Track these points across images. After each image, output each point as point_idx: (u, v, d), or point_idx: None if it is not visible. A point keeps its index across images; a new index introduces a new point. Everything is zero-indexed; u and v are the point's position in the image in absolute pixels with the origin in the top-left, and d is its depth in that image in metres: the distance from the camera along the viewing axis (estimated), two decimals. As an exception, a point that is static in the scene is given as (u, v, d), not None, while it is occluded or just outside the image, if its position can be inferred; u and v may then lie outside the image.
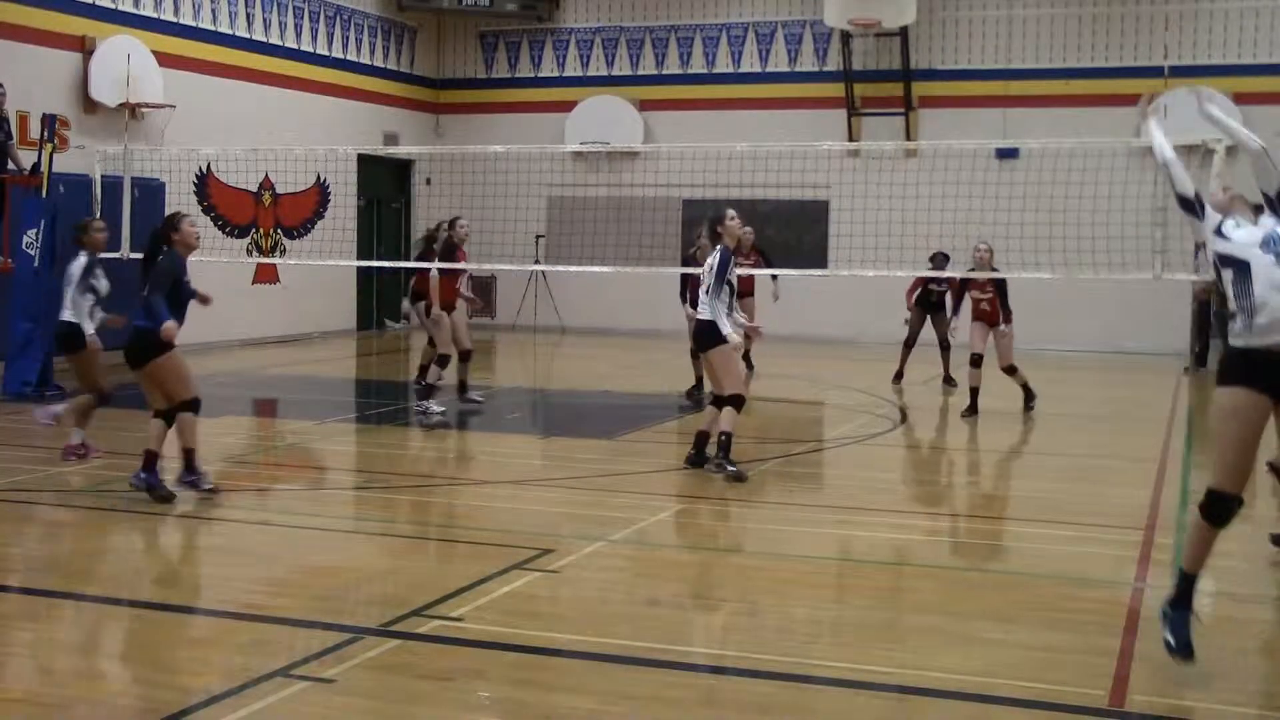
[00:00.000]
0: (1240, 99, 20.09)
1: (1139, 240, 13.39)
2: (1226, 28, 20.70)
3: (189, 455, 8.49)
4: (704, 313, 9.53)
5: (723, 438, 9.46)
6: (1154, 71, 20.25)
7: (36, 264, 13.63)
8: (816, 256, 20.80)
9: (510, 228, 18.78)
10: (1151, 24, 20.96)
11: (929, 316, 15.20)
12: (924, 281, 15.09)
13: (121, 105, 16.92)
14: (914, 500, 9.43)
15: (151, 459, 8.34)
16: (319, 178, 21.11)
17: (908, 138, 21.30)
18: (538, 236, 21.80)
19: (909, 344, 15.30)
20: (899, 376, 15.16)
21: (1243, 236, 5.51)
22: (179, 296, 8.48)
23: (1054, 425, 12.82)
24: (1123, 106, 20.35)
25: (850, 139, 21.46)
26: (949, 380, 15.02)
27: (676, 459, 10.26)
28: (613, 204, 20.13)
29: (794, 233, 22.43)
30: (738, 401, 9.50)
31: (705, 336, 9.56)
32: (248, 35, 20.18)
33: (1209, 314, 17.71)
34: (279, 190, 20.30)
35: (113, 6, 17.61)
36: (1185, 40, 20.65)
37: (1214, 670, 5.56)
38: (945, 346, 15.06)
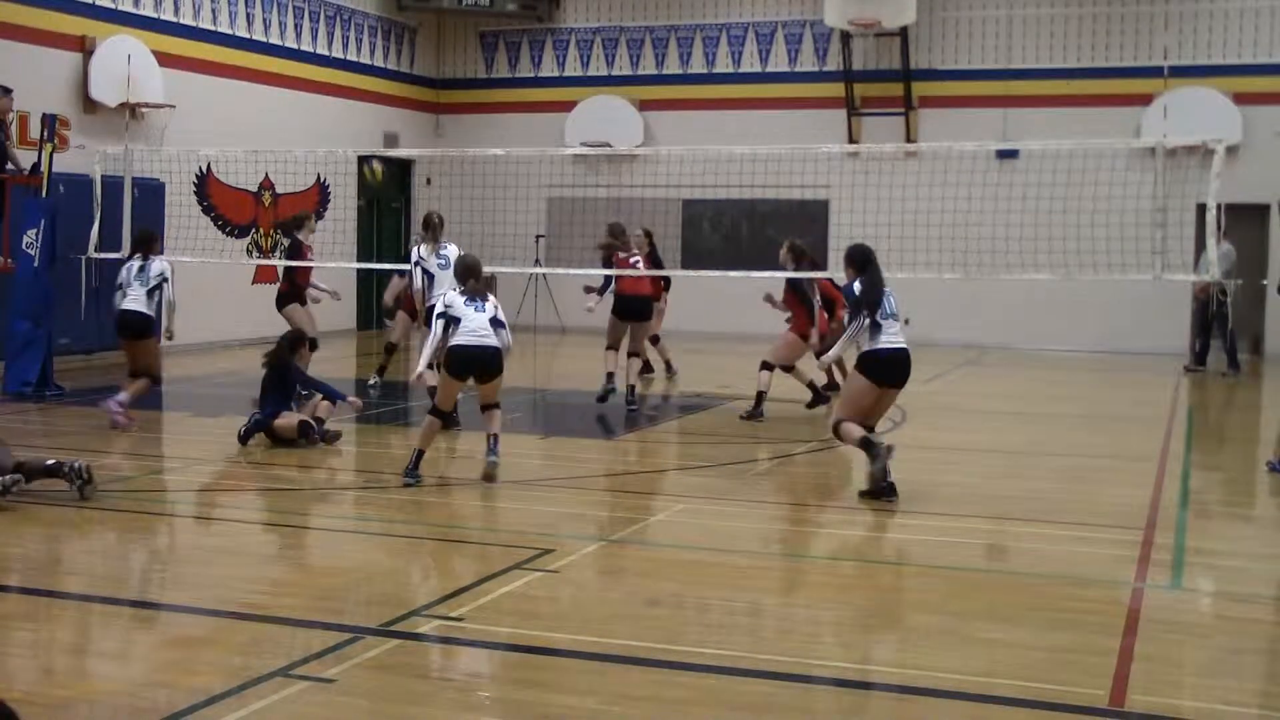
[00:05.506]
0: (1240, 99, 20.12)
1: (1139, 240, 13.37)
2: (1226, 28, 20.70)
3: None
4: None
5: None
6: (1154, 71, 20.27)
7: (36, 264, 13.62)
8: (816, 256, 20.75)
9: (510, 228, 18.79)
10: (1151, 24, 20.95)
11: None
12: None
13: (121, 105, 16.93)
14: (914, 500, 9.42)
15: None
16: (319, 178, 21.12)
17: (908, 138, 21.31)
18: (538, 237, 21.81)
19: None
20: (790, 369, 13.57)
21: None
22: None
23: (1054, 425, 12.81)
24: (1123, 106, 20.44)
25: (850, 139, 21.47)
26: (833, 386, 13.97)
27: (676, 459, 10.26)
28: (613, 205, 20.12)
29: (794, 233, 22.35)
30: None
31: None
32: (248, 35, 20.18)
33: (1209, 314, 17.72)
34: (279, 190, 20.29)
35: (113, 6, 17.61)
36: (1185, 40, 20.66)
37: (1214, 670, 5.57)
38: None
